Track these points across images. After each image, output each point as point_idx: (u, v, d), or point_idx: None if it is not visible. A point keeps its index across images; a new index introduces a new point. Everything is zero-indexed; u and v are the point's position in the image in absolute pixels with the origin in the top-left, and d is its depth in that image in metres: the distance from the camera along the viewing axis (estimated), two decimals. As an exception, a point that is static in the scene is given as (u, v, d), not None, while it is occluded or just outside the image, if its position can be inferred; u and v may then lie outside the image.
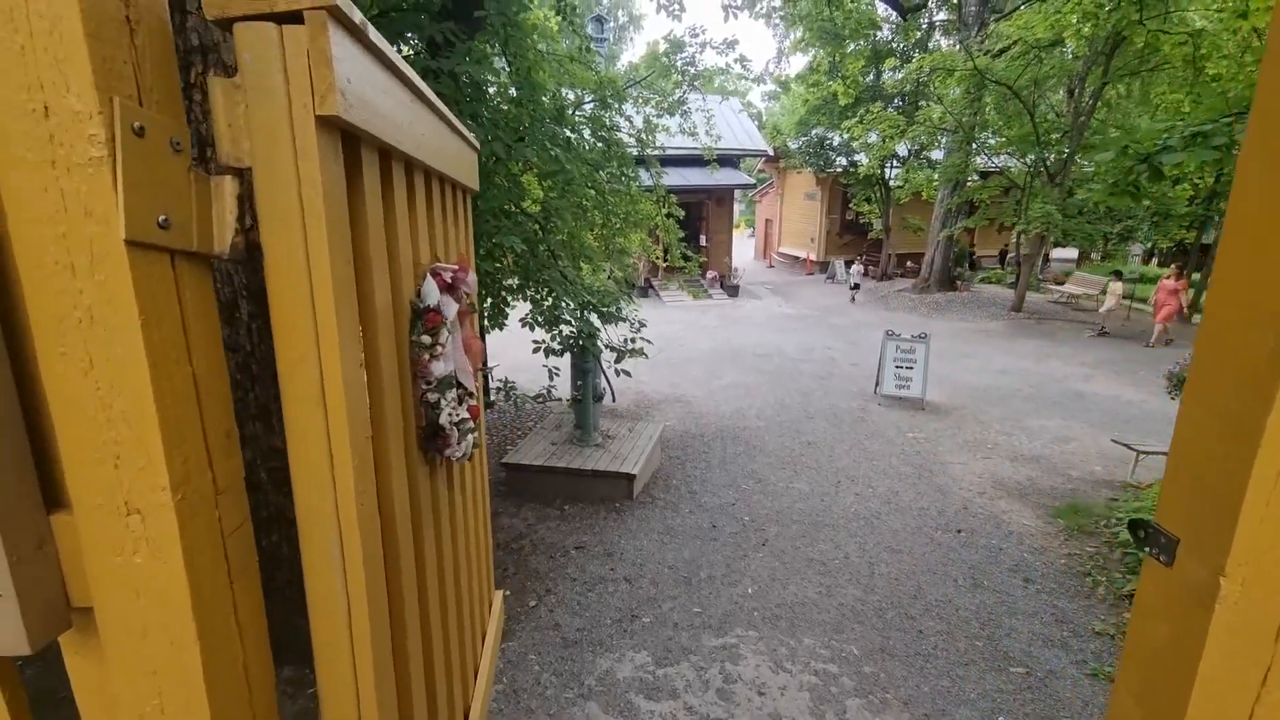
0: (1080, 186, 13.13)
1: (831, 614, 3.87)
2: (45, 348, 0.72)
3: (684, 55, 6.86)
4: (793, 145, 20.72)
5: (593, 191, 5.65)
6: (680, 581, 4.22)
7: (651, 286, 17.96)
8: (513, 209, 4.73)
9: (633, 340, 5.72)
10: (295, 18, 0.80)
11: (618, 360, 5.69)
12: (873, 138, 15.70)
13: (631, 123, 6.34)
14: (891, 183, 18.74)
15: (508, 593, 3.98)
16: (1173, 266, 12.66)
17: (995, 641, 3.61)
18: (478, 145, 2.06)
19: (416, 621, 1.27)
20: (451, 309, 1.36)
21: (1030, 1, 12.96)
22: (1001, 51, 12.51)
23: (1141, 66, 12.42)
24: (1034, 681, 3.28)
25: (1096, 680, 3.28)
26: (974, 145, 15.14)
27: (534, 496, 5.44)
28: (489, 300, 5.17)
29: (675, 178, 13.06)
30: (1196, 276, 14.42)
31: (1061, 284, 17.20)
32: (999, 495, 5.57)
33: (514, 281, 5.20)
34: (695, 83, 7.00)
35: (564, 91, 5.69)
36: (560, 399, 6.16)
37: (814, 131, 19.63)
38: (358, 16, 0.88)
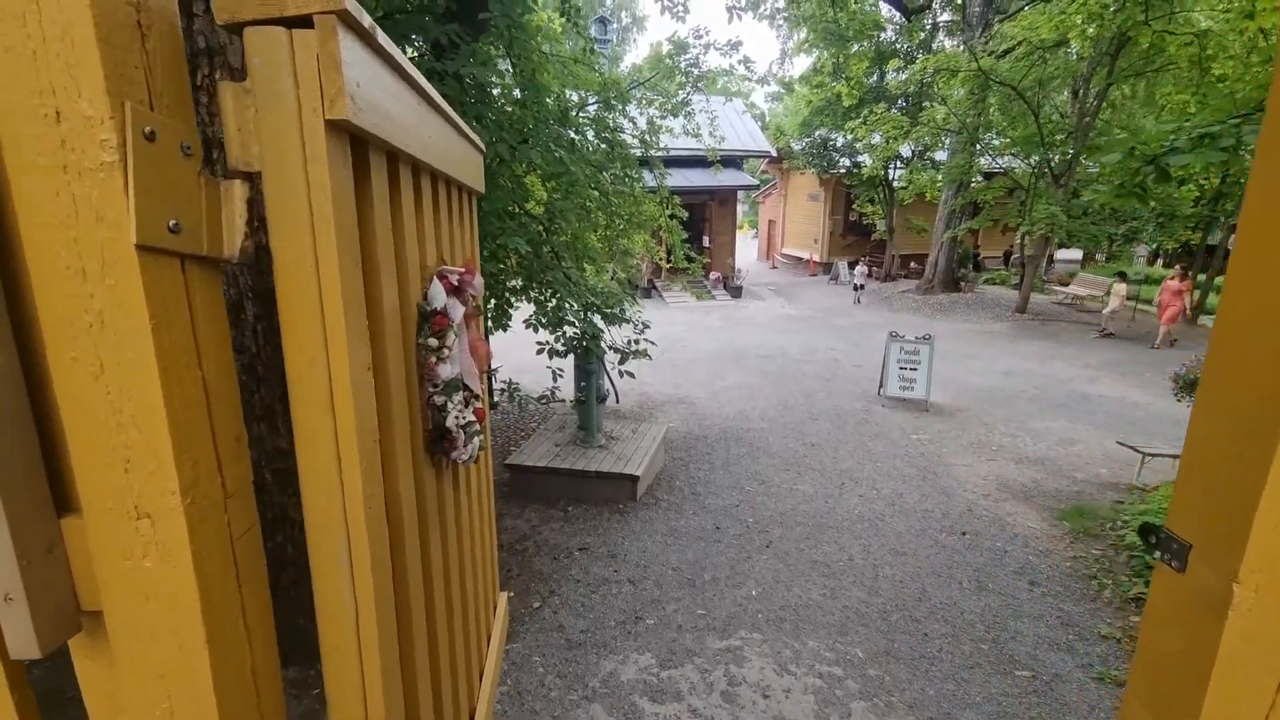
0: (1085, 187, 13.10)
1: (836, 616, 3.86)
2: (56, 352, 0.72)
3: (688, 57, 6.87)
4: (796, 146, 20.71)
5: (596, 193, 5.66)
6: (684, 583, 4.21)
7: (655, 287, 17.96)
8: (517, 210, 4.73)
9: (636, 341, 5.72)
10: (305, 22, 0.80)
11: (621, 361, 5.69)
12: (876, 139, 15.68)
13: (635, 124, 6.34)
14: (895, 184, 18.71)
15: (512, 594, 3.98)
16: (1177, 267, 12.61)
17: (1001, 645, 3.59)
18: (483, 147, 2.07)
19: (423, 624, 1.27)
20: (458, 312, 1.36)
21: (1035, 2, 12.94)
22: (1006, 52, 12.48)
23: (1147, 67, 12.38)
24: (1040, 685, 3.27)
25: (1103, 684, 3.27)
26: (978, 146, 15.11)
27: (537, 498, 5.44)
28: (492, 302, 5.18)
29: (678, 179, 13.06)
30: (1202, 278, 14.35)
31: (1066, 285, 17.15)
32: (1004, 497, 5.55)
33: (518, 283, 5.20)
34: (699, 84, 7.01)
35: (568, 93, 5.69)
36: (563, 400, 6.16)
37: (817, 132, 19.62)
38: (367, 20, 0.88)
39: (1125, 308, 13.40)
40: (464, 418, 1.37)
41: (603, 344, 5.36)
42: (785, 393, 8.81)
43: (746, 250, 28.19)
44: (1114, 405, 8.27)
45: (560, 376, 5.49)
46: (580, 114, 5.64)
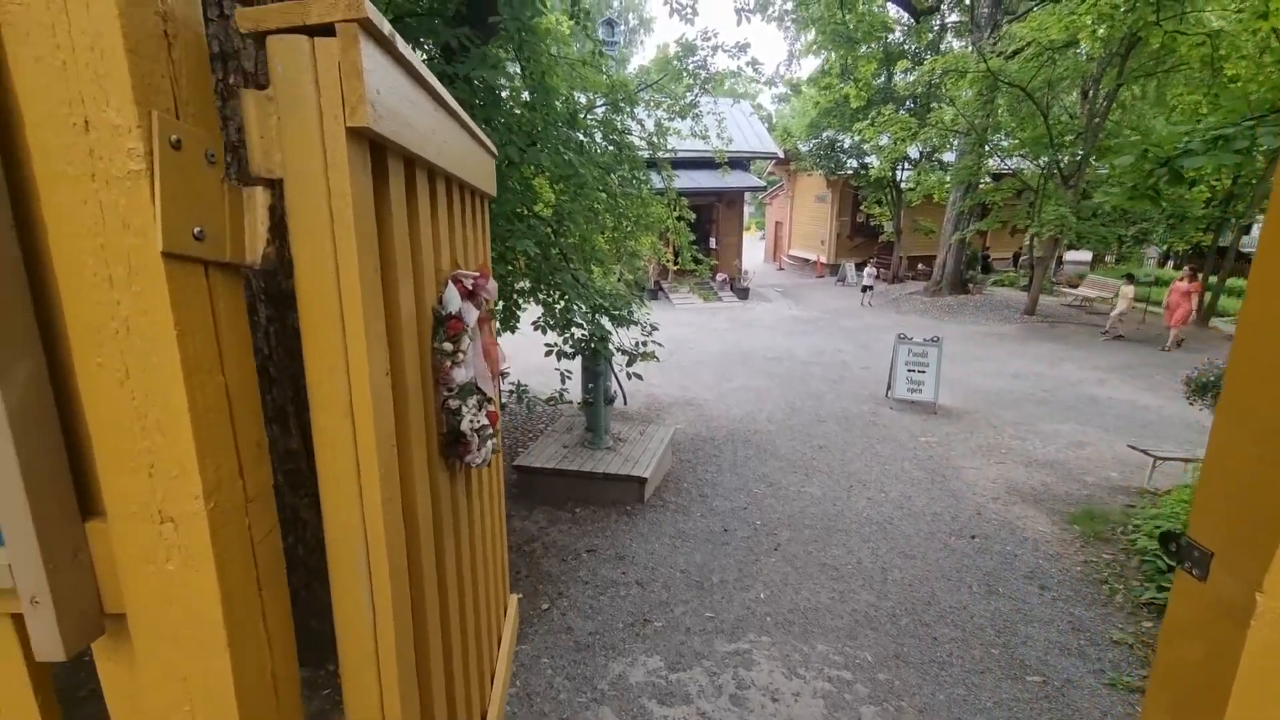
0: (1095, 189, 13.01)
1: (844, 620, 3.84)
2: (82, 358, 0.72)
3: (696, 59, 6.87)
4: (803, 148, 20.68)
5: (604, 194, 5.66)
6: (692, 585, 4.21)
7: (661, 289, 17.96)
8: (525, 213, 4.74)
9: (644, 343, 5.72)
10: (327, 30, 0.81)
11: (629, 363, 5.69)
12: (884, 140, 15.63)
13: (643, 126, 6.35)
14: (903, 185, 18.64)
15: (520, 596, 3.99)
16: (1186, 269, 12.51)
17: (1011, 649, 3.57)
18: (495, 151, 2.07)
19: (438, 627, 1.28)
20: (472, 316, 1.36)
21: (1044, 2, 12.87)
22: (1015, 53, 12.42)
23: (1157, 68, 12.30)
24: (1051, 690, 3.25)
25: (1115, 690, 3.24)
26: (986, 147, 15.03)
27: (545, 499, 5.45)
28: (500, 304, 5.19)
29: (685, 180, 13.07)
30: (1213, 280, 14.22)
31: (1075, 287, 17.04)
32: (1013, 501, 5.52)
33: (525, 284, 5.21)
34: (706, 86, 7.00)
35: (576, 95, 5.71)
36: (571, 402, 6.17)
37: (825, 134, 19.58)
38: (387, 28, 0.89)
39: (1133, 310, 13.31)
40: (478, 421, 1.37)
41: (610, 346, 5.37)
42: (793, 395, 8.79)
43: (753, 252, 28.16)
44: (1124, 408, 8.21)
45: (568, 378, 5.50)
46: (588, 116, 5.65)
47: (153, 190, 0.68)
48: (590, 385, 5.82)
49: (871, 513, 5.30)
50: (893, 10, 17.19)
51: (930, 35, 17.61)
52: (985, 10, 14.59)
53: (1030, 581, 4.27)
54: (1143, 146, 3.27)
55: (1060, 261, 19.63)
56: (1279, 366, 0.79)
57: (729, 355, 11.27)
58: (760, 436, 7.12)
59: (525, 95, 4.78)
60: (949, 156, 17.37)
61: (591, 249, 5.72)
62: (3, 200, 0.69)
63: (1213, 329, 13.51)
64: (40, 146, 0.68)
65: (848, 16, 15.53)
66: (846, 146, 19.28)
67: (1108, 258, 21.44)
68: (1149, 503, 5.32)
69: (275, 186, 0.86)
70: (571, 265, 5.14)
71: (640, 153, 6.11)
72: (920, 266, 20.50)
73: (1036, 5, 13.34)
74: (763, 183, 24.92)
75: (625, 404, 7.89)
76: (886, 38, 16.86)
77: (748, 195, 22.38)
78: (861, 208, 20.97)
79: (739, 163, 17.81)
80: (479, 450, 1.39)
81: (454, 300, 1.31)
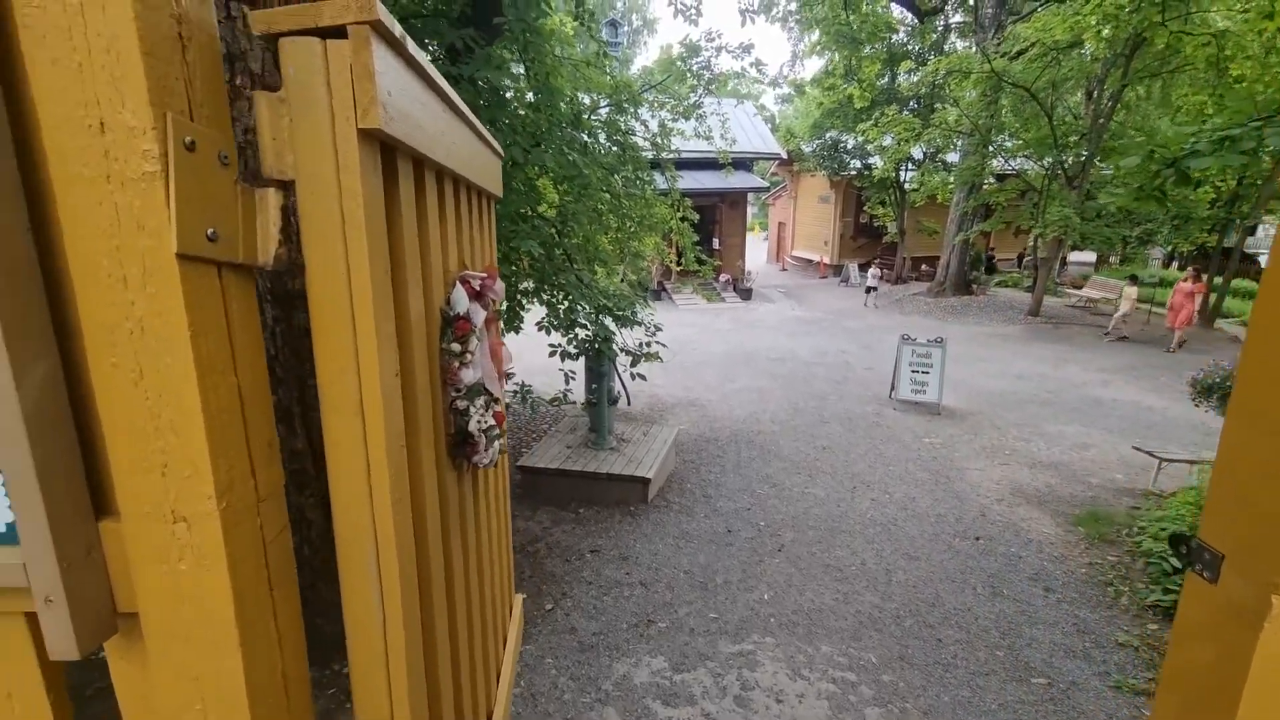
0: (1099, 189, 12.98)
1: (849, 621, 3.84)
2: (97, 358, 0.73)
3: (700, 59, 6.87)
4: (806, 148, 20.67)
5: (608, 195, 5.67)
6: (696, 586, 4.21)
7: (664, 289, 17.97)
8: (529, 213, 4.75)
9: (647, 344, 5.72)
10: (339, 32, 0.81)
11: (633, 364, 5.69)
12: (888, 141, 15.61)
13: (647, 126, 6.35)
14: (906, 186, 18.62)
15: (525, 596, 3.99)
16: (1190, 269, 12.46)
17: (1016, 651, 3.56)
18: (501, 152, 2.08)
19: (446, 628, 1.28)
20: (480, 316, 1.36)
21: (1048, 2, 12.84)
22: (1019, 54, 12.39)
23: (1162, 68, 12.26)
24: (1056, 693, 3.24)
25: (1120, 693, 3.23)
26: (990, 148, 15.00)
27: (549, 499, 5.46)
28: (504, 304, 5.19)
29: (689, 181, 13.08)
30: (1218, 280, 14.16)
31: (1079, 288, 17.00)
32: (1017, 502, 5.51)
33: (529, 285, 5.22)
34: (710, 87, 7.01)
35: (580, 96, 5.71)
36: (574, 402, 6.18)
37: (828, 134, 19.56)
38: (398, 30, 0.89)
39: (1137, 311, 13.27)
40: (485, 422, 1.38)
41: (614, 346, 5.37)
42: (796, 395, 8.78)
43: (756, 252, 28.13)
44: (1128, 409, 8.18)
45: (573, 379, 5.51)
46: (592, 117, 5.66)
47: (167, 192, 0.69)
48: (594, 386, 5.82)
49: (875, 514, 5.29)
50: (896, 11, 17.17)
51: (934, 36, 17.58)
52: (989, 11, 14.57)
53: (1035, 583, 4.26)
54: (1149, 147, 3.26)
55: (1064, 262, 19.57)
56: (1291, 368, 0.79)
57: (732, 356, 11.26)
58: (764, 437, 7.12)
59: (530, 96, 4.79)
60: (953, 157, 17.35)
61: (595, 249, 5.73)
62: (19, 202, 0.69)
63: (1217, 330, 13.46)
64: (56, 148, 0.68)
65: (852, 17, 15.52)
66: (850, 147, 19.26)
67: (1112, 259, 21.38)
68: (1154, 505, 5.30)
69: (287, 188, 0.86)
70: (575, 266, 5.15)
71: (644, 153, 6.12)
72: (924, 267, 20.47)
73: (1041, 6, 13.32)
74: (766, 183, 24.94)
75: (629, 404, 7.89)
76: (890, 38, 16.83)
77: (751, 196, 22.38)
78: (865, 208, 20.95)
79: (742, 163, 17.81)
80: (486, 451, 1.39)
81: (462, 301, 1.31)
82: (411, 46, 0.96)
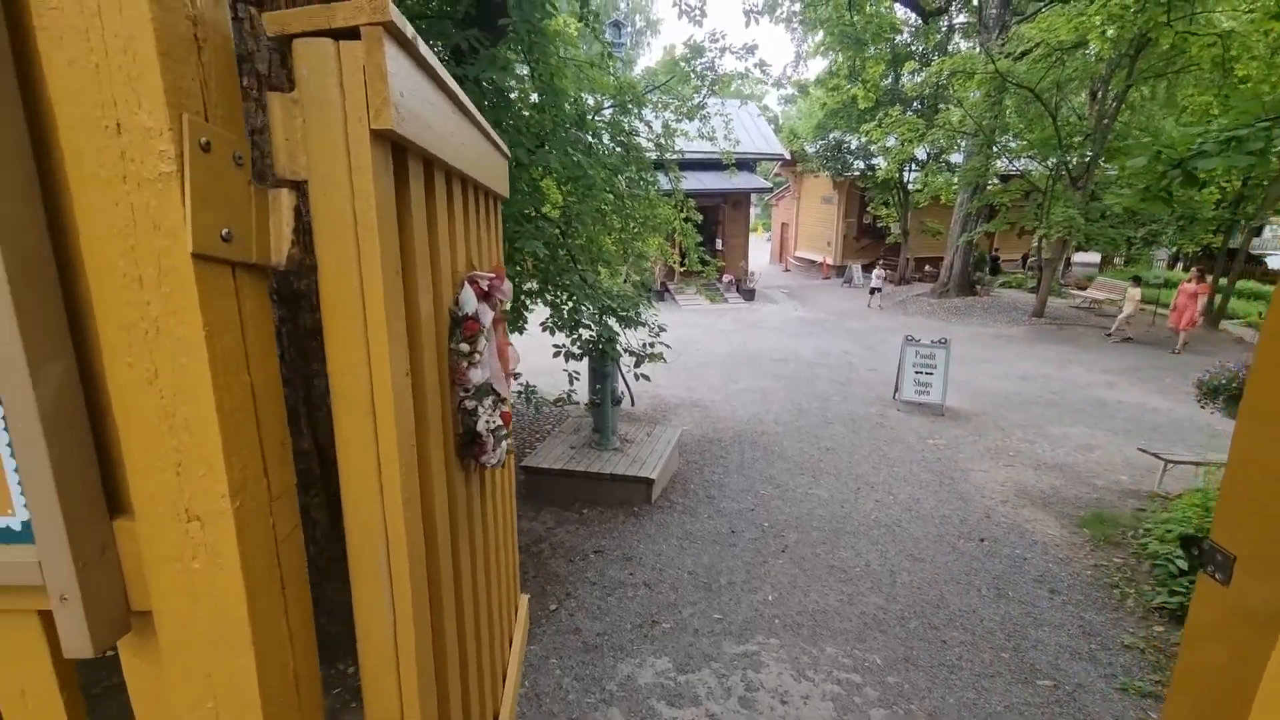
0: (1104, 190, 12.94)
1: (853, 622, 3.83)
2: (112, 358, 0.73)
3: (704, 60, 6.88)
4: (810, 149, 20.65)
5: (612, 196, 5.67)
6: (700, 587, 4.20)
7: (667, 290, 17.97)
8: (533, 214, 4.76)
9: (651, 345, 5.72)
10: (352, 34, 0.81)
11: (637, 364, 5.69)
12: (891, 141, 15.59)
13: (650, 127, 6.35)
14: (910, 186, 18.59)
15: (529, 596, 3.99)
16: (1194, 269, 12.41)
17: (1021, 653, 3.55)
18: (508, 152, 2.08)
19: (454, 628, 1.28)
20: (488, 316, 1.37)
21: (1053, 3, 12.82)
22: (1023, 54, 12.37)
23: (1167, 68, 12.22)
24: (1062, 695, 3.23)
25: (1127, 695, 3.22)
26: (994, 149, 14.97)
27: (552, 500, 5.46)
28: (509, 304, 5.19)
29: (692, 182, 13.06)
30: (1223, 282, 14.10)
31: (1084, 289, 16.95)
32: (1022, 504, 5.49)
33: (533, 285, 5.23)
34: (714, 87, 7.01)
35: (584, 97, 5.72)
36: (578, 403, 6.18)
37: (832, 135, 19.54)
38: (410, 31, 0.89)
39: (1141, 312, 13.23)
40: (493, 422, 1.38)
41: (618, 347, 5.37)
42: (799, 396, 8.77)
43: (759, 253, 28.12)
44: (1133, 411, 8.16)
45: (576, 379, 5.51)
46: (596, 118, 5.66)
47: (183, 192, 0.69)
48: (598, 386, 5.83)
49: (879, 515, 5.28)
50: (900, 11, 17.15)
51: (938, 36, 17.56)
52: (993, 11, 14.54)
53: (1040, 585, 4.24)
54: (1156, 148, 3.25)
55: (1068, 263, 19.52)
56: (1305, 370, 0.79)
57: (735, 356, 11.26)
58: (767, 438, 7.11)
59: (534, 97, 4.79)
60: (956, 158, 17.32)
61: (599, 250, 5.74)
62: (36, 202, 0.69)
63: (1222, 331, 13.41)
64: (73, 149, 0.68)
65: (856, 18, 15.50)
66: (853, 148, 19.24)
67: (1116, 259, 21.31)
68: (1160, 507, 5.28)
69: (299, 188, 0.86)
70: (579, 266, 5.15)
71: (648, 154, 6.12)
72: (927, 268, 20.43)
73: (1045, 6, 13.29)
74: (769, 184, 24.91)
75: (633, 405, 7.89)
76: (894, 39, 16.82)
77: (754, 197, 22.36)
78: (868, 209, 20.92)
79: (745, 164, 17.81)
80: (494, 451, 1.40)
81: (470, 301, 1.31)
82: (422, 47, 0.96)
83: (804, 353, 11.59)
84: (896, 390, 8.35)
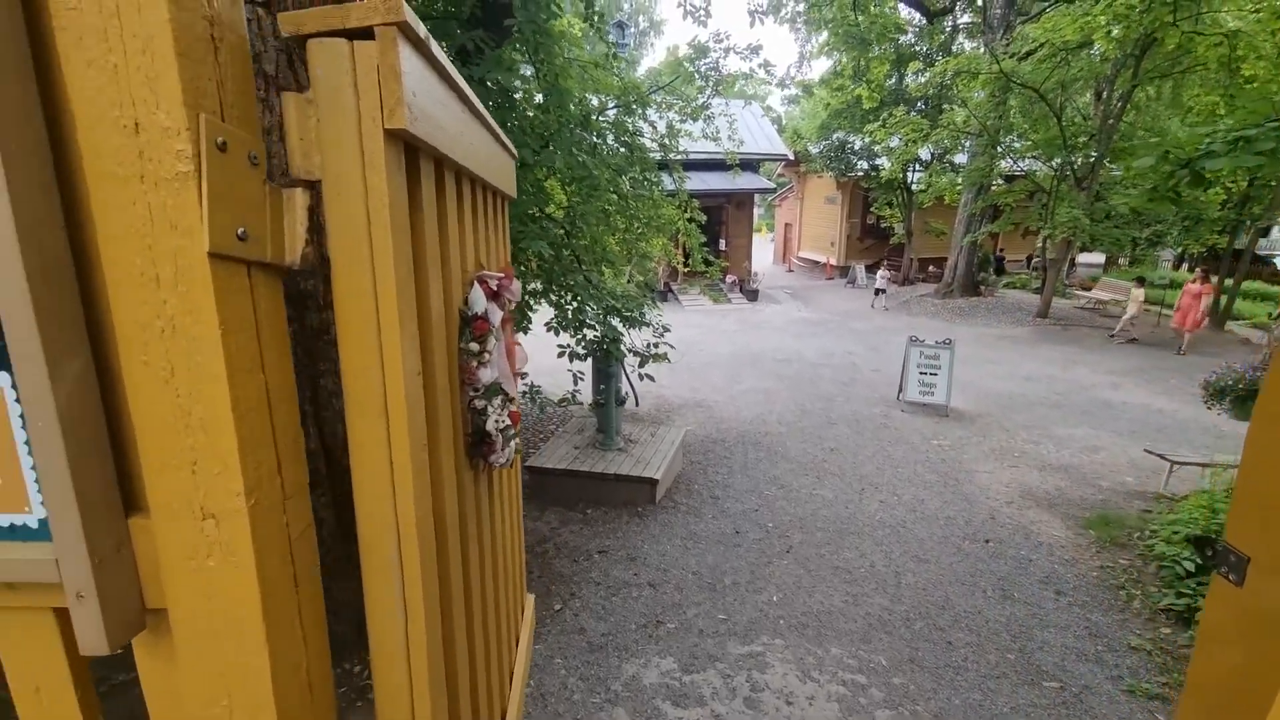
0: (1108, 190, 12.90)
1: (858, 623, 3.82)
2: (128, 356, 0.74)
3: (708, 60, 6.87)
4: (813, 149, 20.62)
5: (616, 196, 5.67)
6: (704, 587, 4.20)
7: (671, 290, 17.96)
8: (538, 214, 4.76)
9: (655, 345, 5.72)
10: (366, 34, 0.82)
11: (641, 365, 5.69)
12: (895, 142, 15.57)
13: (655, 128, 6.35)
14: (914, 187, 18.55)
15: (534, 596, 4.00)
16: (1198, 270, 12.36)
17: (1027, 654, 3.54)
18: (515, 152, 2.08)
19: (464, 626, 1.28)
20: (497, 316, 1.37)
21: (1057, 3, 12.78)
22: (1028, 54, 12.33)
23: (1173, 68, 12.17)
24: (1068, 697, 3.22)
25: (1134, 697, 3.21)
26: (999, 149, 14.93)
27: (556, 500, 5.46)
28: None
29: (695, 182, 13.06)
30: (1229, 282, 14.03)
31: (1088, 289, 16.89)
32: (1027, 505, 5.48)
33: (538, 286, 5.23)
34: (718, 88, 7.00)
35: (588, 97, 5.72)
36: (582, 403, 6.19)
37: (835, 135, 19.52)
38: (423, 31, 0.89)
39: (1146, 313, 13.17)
40: (502, 421, 1.38)
41: (622, 347, 5.37)
42: (803, 397, 8.76)
43: (762, 254, 28.10)
44: (1138, 412, 8.12)
45: (581, 379, 5.51)
46: (600, 118, 5.66)
47: (200, 191, 0.70)
48: (602, 386, 5.83)
49: (884, 516, 5.27)
50: (904, 11, 17.13)
51: (942, 37, 17.53)
52: (998, 11, 14.51)
53: (1045, 586, 4.23)
54: (1164, 148, 3.24)
55: (1073, 264, 19.45)
56: (1321, 370, 0.79)
57: (738, 357, 11.25)
58: (771, 439, 7.10)
59: (539, 98, 4.80)
60: (961, 158, 17.28)
61: (603, 250, 5.74)
62: (55, 201, 0.70)
63: (1228, 332, 13.35)
64: (91, 148, 0.69)
65: (861, 18, 15.49)
66: (857, 148, 19.21)
67: (1121, 260, 21.23)
68: (1166, 508, 5.26)
69: (313, 188, 0.87)
70: (584, 267, 5.15)
71: (652, 154, 6.12)
72: (931, 269, 20.39)
73: (1050, 6, 13.26)
74: (772, 185, 24.89)
75: (637, 405, 7.89)
76: (899, 39, 16.79)
77: (757, 197, 22.34)
78: (872, 210, 20.88)
79: (749, 165, 17.79)
80: (503, 450, 1.40)
81: (480, 301, 1.31)
82: (434, 47, 0.96)
83: (807, 353, 11.58)
84: (900, 391, 8.34)
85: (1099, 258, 21.77)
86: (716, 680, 3.30)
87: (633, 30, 36.16)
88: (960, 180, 15.92)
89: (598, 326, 5.11)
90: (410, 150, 0.99)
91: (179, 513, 0.77)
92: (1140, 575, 4.32)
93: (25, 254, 0.66)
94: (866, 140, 17.42)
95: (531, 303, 5.39)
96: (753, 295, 18.37)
